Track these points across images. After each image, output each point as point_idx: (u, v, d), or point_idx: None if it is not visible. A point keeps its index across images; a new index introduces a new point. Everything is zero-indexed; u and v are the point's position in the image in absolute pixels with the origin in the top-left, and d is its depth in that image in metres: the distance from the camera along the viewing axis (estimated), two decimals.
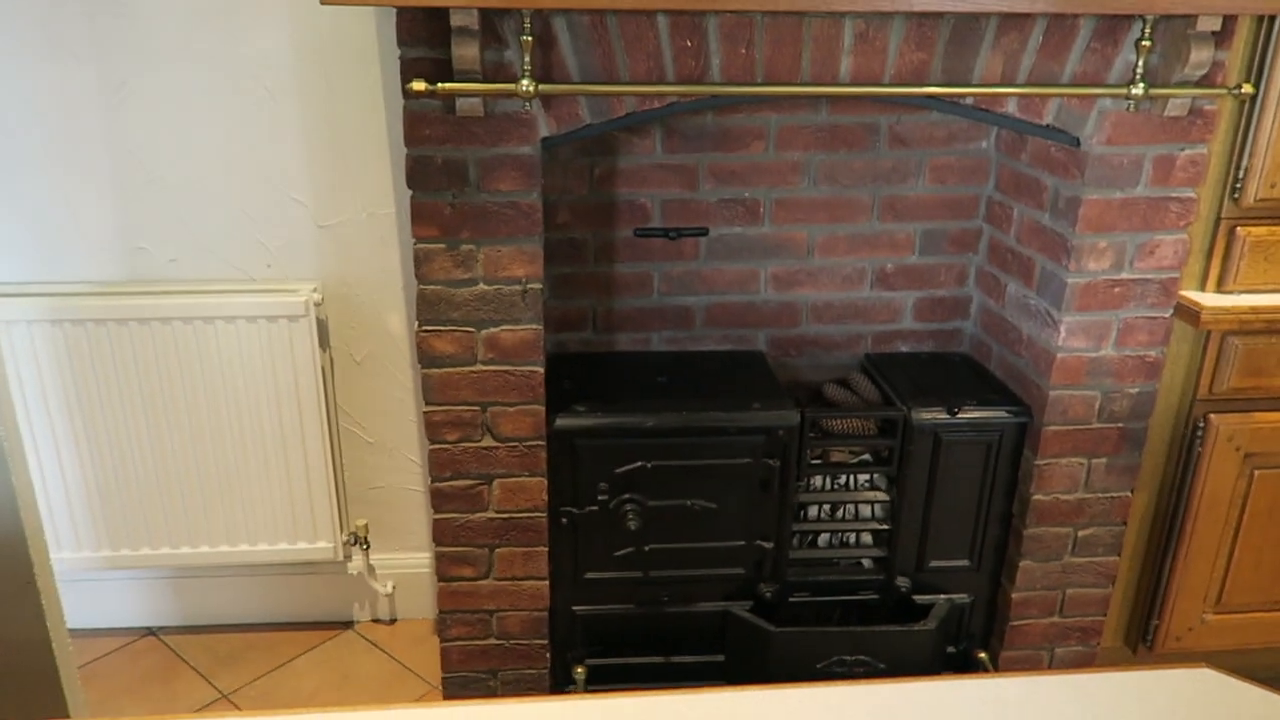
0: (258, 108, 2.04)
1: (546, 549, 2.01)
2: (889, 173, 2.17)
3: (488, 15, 1.61)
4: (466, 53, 1.60)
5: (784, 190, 2.16)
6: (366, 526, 2.40)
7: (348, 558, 2.39)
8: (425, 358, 1.86)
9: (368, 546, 2.41)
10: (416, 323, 1.84)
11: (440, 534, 1.99)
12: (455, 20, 1.58)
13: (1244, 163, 1.85)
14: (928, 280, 2.28)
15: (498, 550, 2.01)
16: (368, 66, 2.03)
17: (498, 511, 1.97)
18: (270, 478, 2.22)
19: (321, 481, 2.24)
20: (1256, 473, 2.03)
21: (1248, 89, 1.70)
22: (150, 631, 2.45)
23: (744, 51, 1.68)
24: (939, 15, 1.68)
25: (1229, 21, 1.68)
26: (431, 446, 1.92)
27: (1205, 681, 0.79)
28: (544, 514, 1.98)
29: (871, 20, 1.67)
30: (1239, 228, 1.90)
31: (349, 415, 2.33)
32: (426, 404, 1.89)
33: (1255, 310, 1.88)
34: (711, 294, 2.24)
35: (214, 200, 2.11)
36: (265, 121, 2.05)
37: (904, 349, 2.34)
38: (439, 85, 1.62)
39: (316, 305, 2.11)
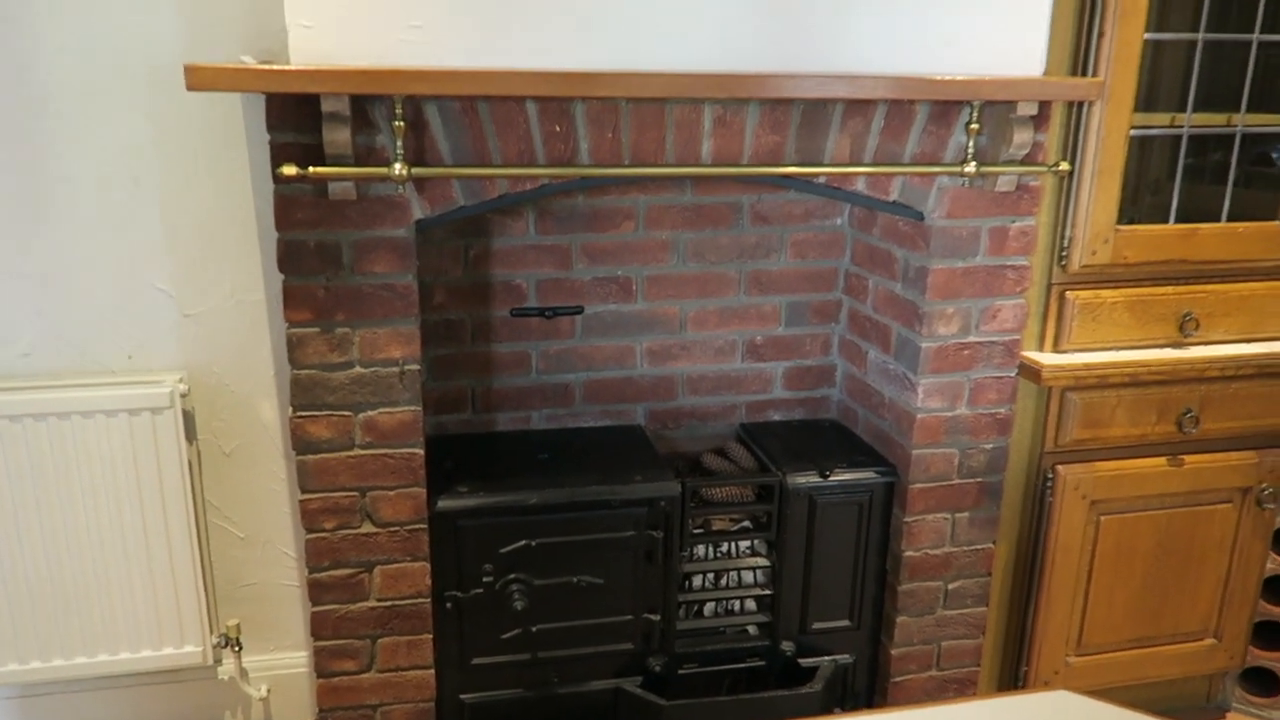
0: (118, 194, 1.99)
1: (431, 636, 1.97)
2: (753, 249, 2.28)
3: (359, 101, 1.64)
4: (338, 137, 1.62)
5: (655, 267, 2.24)
6: (238, 627, 2.29)
7: (218, 662, 2.26)
8: (300, 443, 1.82)
9: (240, 648, 2.29)
10: (291, 408, 1.81)
11: (319, 627, 1.92)
12: (326, 106, 1.60)
13: (1068, 233, 2.04)
14: (795, 350, 2.38)
15: (380, 640, 1.95)
16: (234, 151, 2.02)
17: (379, 600, 1.92)
18: (133, 580, 2.10)
19: (189, 581, 2.13)
20: (1102, 518, 2.18)
21: (1064, 166, 1.88)
22: None
23: (611, 135, 1.76)
24: (790, 101, 1.80)
25: (1044, 107, 1.87)
26: (308, 535, 1.86)
27: (1065, 702, 0.84)
28: (428, 599, 1.94)
29: (729, 106, 1.78)
30: (1068, 292, 2.07)
31: (218, 510, 2.24)
32: (302, 491, 1.84)
33: (1088, 367, 2.05)
34: (589, 370, 2.28)
35: (71, 291, 2.03)
36: (126, 208, 2.00)
37: (776, 417, 2.43)
38: (310, 170, 1.63)
39: (182, 396, 2.04)
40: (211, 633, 2.21)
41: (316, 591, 1.89)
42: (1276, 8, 2.04)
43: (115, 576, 2.09)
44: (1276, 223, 2.14)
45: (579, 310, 2.23)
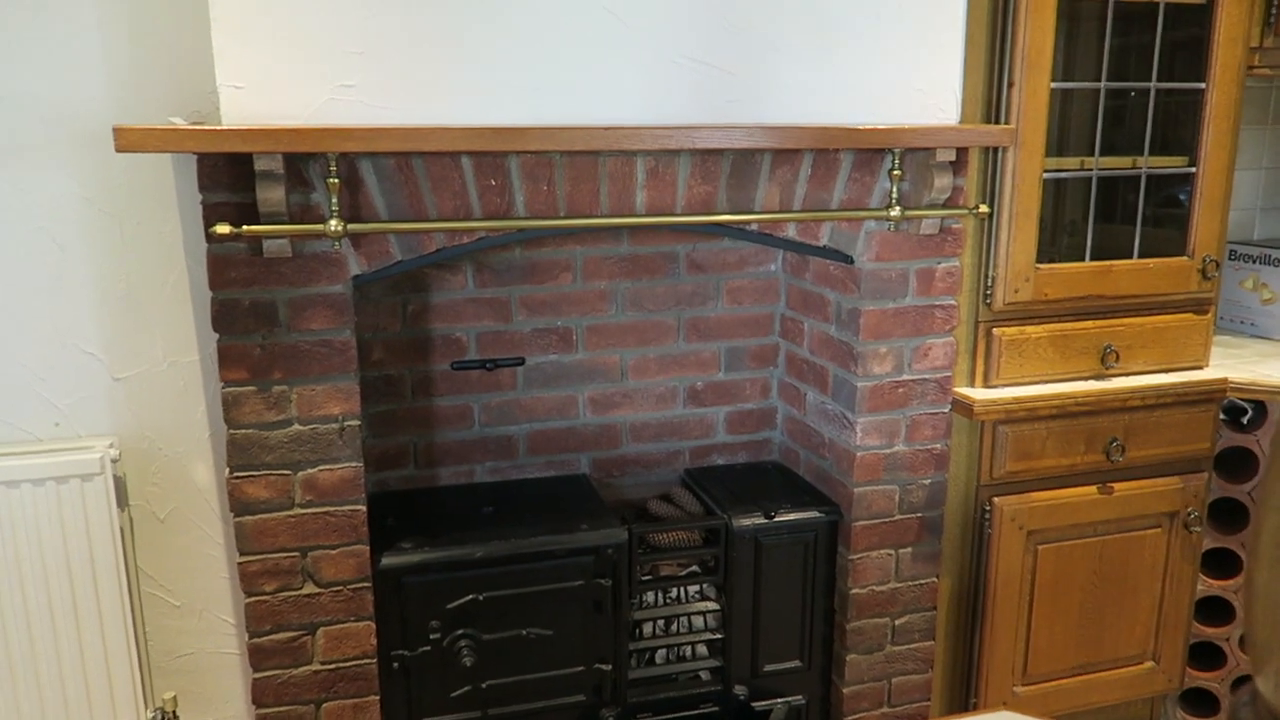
0: (45, 256, 1.96)
1: (378, 698, 1.92)
2: (690, 296, 2.31)
3: (292, 160, 1.65)
4: (271, 196, 1.63)
5: (594, 318, 2.26)
6: (175, 699, 2.21)
7: None
8: (238, 505, 1.78)
9: None
10: (227, 469, 1.77)
11: (260, 694, 1.86)
12: (259, 165, 1.60)
13: (991, 272, 2.11)
14: (735, 395, 2.41)
15: (325, 705, 1.90)
16: (165, 212, 2.00)
17: (323, 663, 1.88)
18: (62, 655, 2.02)
19: (121, 654, 2.05)
20: (1039, 548, 2.23)
21: (984, 209, 1.96)
22: None
23: (546, 188, 1.79)
24: (720, 152, 1.85)
25: (962, 153, 1.95)
26: (248, 599, 1.82)
27: None
28: (373, 660, 1.90)
29: (660, 157, 1.83)
30: (995, 329, 2.14)
31: (152, 578, 2.17)
32: (241, 554, 1.80)
33: (1018, 400, 2.11)
34: (532, 422, 2.28)
35: None
36: (52, 271, 1.97)
37: (720, 461, 2.45)
38: (244, 228, 1.63)
39: (113, 461, 1.99)
40: (147, 707, 2.12)
41: (257, 657, 1.84)
42: (1171, 58, 2.17)
43: (43, 652, 2.01)
44: (1184, 259, 2.24)
45: (520, 362, 2.24)
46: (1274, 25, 2.17)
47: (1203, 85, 2.16)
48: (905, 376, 2.07)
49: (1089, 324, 2.20)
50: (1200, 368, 2.28)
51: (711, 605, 2.15)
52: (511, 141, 1.69)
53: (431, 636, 1.92)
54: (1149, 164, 2.20)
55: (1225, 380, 2.23)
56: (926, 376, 2.09)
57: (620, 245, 2.24)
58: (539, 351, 2.24)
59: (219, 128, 1.57)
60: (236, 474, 1.77)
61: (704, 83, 1.81)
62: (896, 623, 2.20)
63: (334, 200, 1.65)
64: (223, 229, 1.61)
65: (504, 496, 2.20)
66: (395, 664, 1.93)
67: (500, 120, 1.71)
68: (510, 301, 2.20)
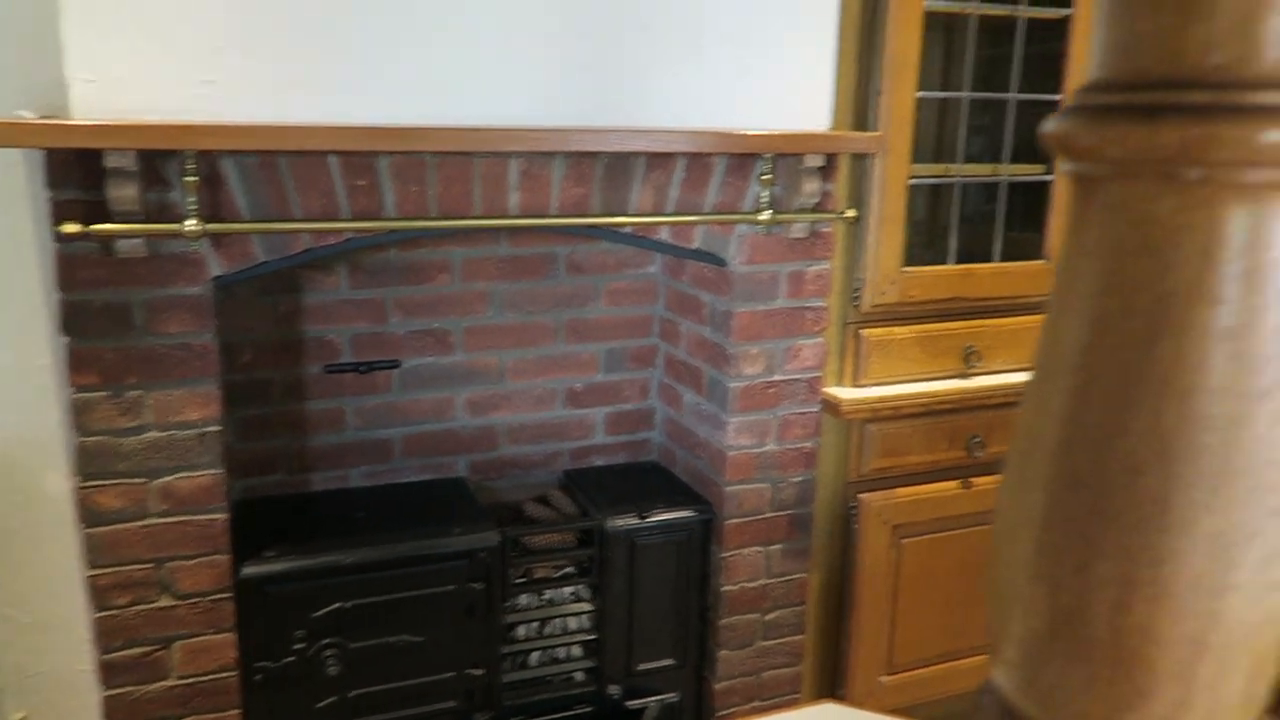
0: None
1: (239, 712, 1.86)
2: (570, 298, 2.32)
3: (147, 157, 1.59)
4: (124, 194, 1.56)
5: (473, 319, 2.24)
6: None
7: None
8: (89, 515, 1.71)
9: None
10: (78, 478, 1.70)
11: (113, 713, 1.79)
12: (110, 162, 1.54)
13: (860, 275, 2.18)
14: (614, 396, 2.43)
15: None
16: (15, 209, 1.89)
17: (180, 678, 1.81)
18: None
19: None
20: (904, 542, 2.31)
21: (852, 213, 2.02)
22: None
23: (417, 189, 1.76)
24: (595, 155, 1.86)
25: (831, 159, 2.00)
26: (98, 614, 1.74)
27: (831, 714, 0.89)
28: (235, 673, 1.85)
29: (534, 159, 1.83)
30: (863, 330, 2.21)
31: (1, 594, 2.06)
32: (91, 567, 1.73)
33: (883, 400, 2.18)
34: (408, 425, 2.25)
35: None
36: None
37: (599, 462, 2.46)
38: (93, 227, 1.56)
39: None
40: None
41: (109, 674, 1.77)
42: (1030, 71, 2.27)
43: None
44: (1042, 262, 2.35)
45: (396, 364, 2.20)
46: None
47: (1060, 97, 2.27)
48: (776, 377, 2.12)
49: (952, 325, 2.29)
50: None
51: (586, 606, 2.16)
52: (381, 141, 1.66)
53: (296, 647, 1.88)
54: (1010, 171, 2.30)
55: None
56: (797, 377, 2.14)
57: (499, 246, 2.22)
58: (415, 353, 2.21)
59: (67, 122, 1.50)
60: (87, 483, 1.69)
61: (579, 85, 1.81)
62: (767, 618, 2.25)
63: (192, 199, 1.59)
64: (70, 228, 1.54)
65: (378, 501, 2.17)
66: (258, 676, 1.87)
67: (370, 119, 1.68)
68: (386, 303, 2.16)
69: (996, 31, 2.27)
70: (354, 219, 1.74)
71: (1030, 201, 2.40)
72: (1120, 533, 0.41)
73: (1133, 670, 0.42)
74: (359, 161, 1.72)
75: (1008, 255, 2.34)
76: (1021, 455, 0.46)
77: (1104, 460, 0.41)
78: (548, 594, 2.15)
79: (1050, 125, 0.44)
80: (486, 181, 1.81)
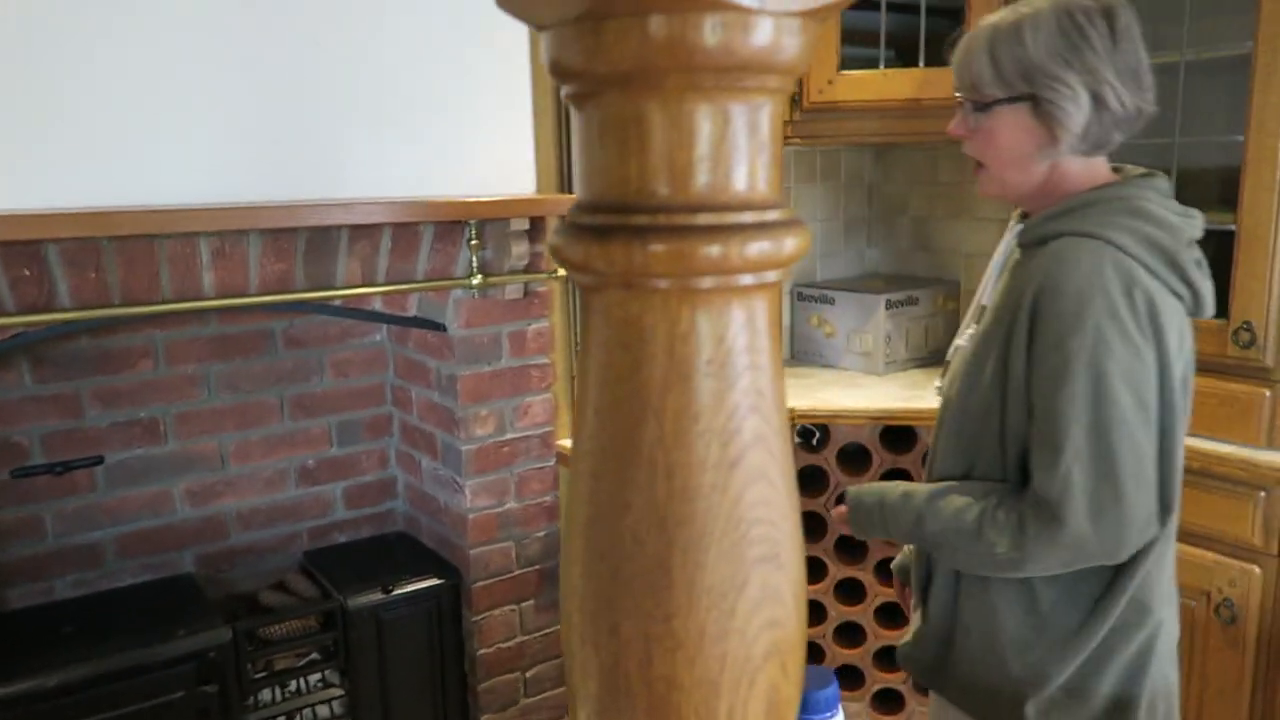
0: None
1: None
2: (292, 373, 2.24)
3: None
4: None
5: (184, 404, 2.12)
6: None
7: None
8: None
9: None
10: None
11: None
12: None
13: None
14: (351, 469, 2.37)
15: None
16: None
17: None
18: None
19: None
20: None
21: (562, 272, 2.09)
22: None
23: (94, 275, 1.66)
24: (294, 230, 1.82)
25: (537, 221, 2.07)
26: None
27: None
28: None
29: (227, 237, 1.77)
30: None
31: None
32: None
33: None
34: (120, 524, 2.09)
35: None
36: None
37: (342, 539, 2.38)
38: None
39: None
40: None
41: None
42: None
43: None
44: None
45: (98, 461, 2.05)
46: (799, 104, 2.52)
47: None
48: (509, 435, 2.15)
49: None
50: None
51: (336, 692, 2.08)
52: (45, 228, 1.56)
53: None
54: None
55: (792, 410, 2.53)
56: (529, 433, 2.18)
57: (208, 326, 2.12)
58: (121, 447, 2.06)
59: None
60: None
61: (275, 159, 1.78)
62: (527, 675, 2.26)
63: None
64: None
65: (90, 612, 1.99)
66: None
67: (34, 205, 1.57)
68: (81, 395, 2.01)
69: None
70: (20, 313, 1.61)
71: None
72: (636, 596, 0.46)
73: (666, 716, 0.47)
74: (21, 250, 1.60)
75: None
76: (564, 534, 0.50)
77: (616, 533, 0.46)
78: (293, 684, 2.05)
79: (550, 239, 0.49)
80: (175, 263, 1.73)
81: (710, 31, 0.41)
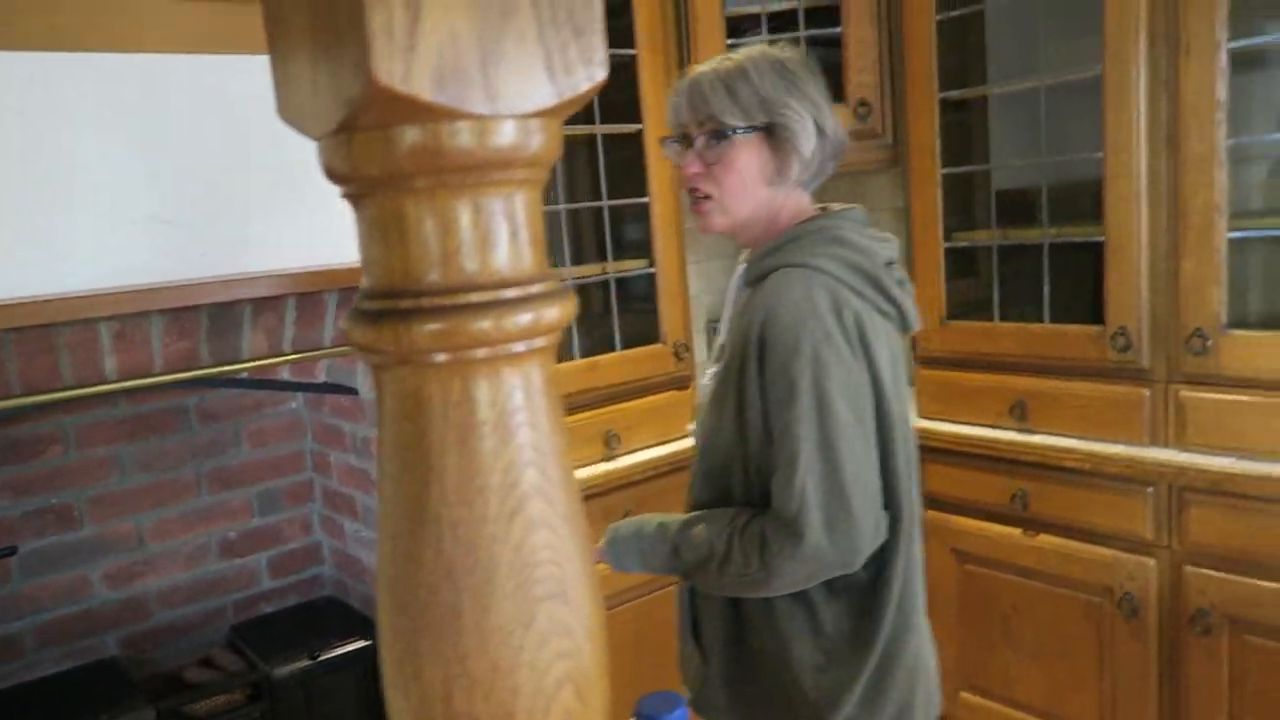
0: None
1: None
2: (208, 447, 2.25)
3: None
4: None
5: (97, 487, 2.11)
6: None
7: None
8: None
9: None
10: None
11: None
12: None
13: None
14: (275, 538, 2.37)
15: None
16: None
17: None
18: None
19: None
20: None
21: None
22: None
23: None
24: (196, 307, 1.85)
25: None
26: None
27: None
28: None
29: (127, 321, 1.78)
30: None
31: None
32: None
33: None
34: (38, 613, 2.07)
35: None
36: None
37: (270, 609, 2.38)
38: None
39: None
40: None
41: None
42: (620, 177, 2.53)
43: None
44: (659, 345, 2.60)
45: (12, 551, 2.03)
46: None
47: (647, 199, 2.54)
48: None
49: (590, 414, 2.46)
50: (687, 436, 2.64)
51: None
52: None
53: None
54: (615, 268, 2.53)
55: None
56: None
57: (117, 407, 2.12)
58: (34, 535, 2.05)
59: None
60: None
61: (171, 239, 1.80)
62: None
63: None
64: None
65: (11, 704, 1.96)
66: None
67: None
68: None
69: (572, 147, 2.51)
70: None
71: (643, 292, 2.65)
72: (434, 641, 0.51)
73: None
74: None
75: (628, 344, 2.55)
76: (378, 591, 0.55)
77: (413, 587, 0.51)
78: None
79: (342, 323, 0.54)
80: (74, 350, 1.74)
81: (450, 138, 0.47)
